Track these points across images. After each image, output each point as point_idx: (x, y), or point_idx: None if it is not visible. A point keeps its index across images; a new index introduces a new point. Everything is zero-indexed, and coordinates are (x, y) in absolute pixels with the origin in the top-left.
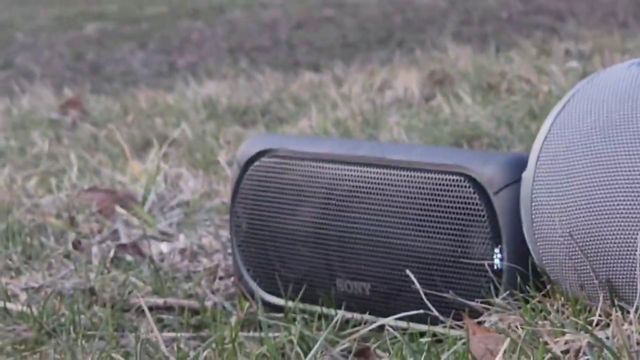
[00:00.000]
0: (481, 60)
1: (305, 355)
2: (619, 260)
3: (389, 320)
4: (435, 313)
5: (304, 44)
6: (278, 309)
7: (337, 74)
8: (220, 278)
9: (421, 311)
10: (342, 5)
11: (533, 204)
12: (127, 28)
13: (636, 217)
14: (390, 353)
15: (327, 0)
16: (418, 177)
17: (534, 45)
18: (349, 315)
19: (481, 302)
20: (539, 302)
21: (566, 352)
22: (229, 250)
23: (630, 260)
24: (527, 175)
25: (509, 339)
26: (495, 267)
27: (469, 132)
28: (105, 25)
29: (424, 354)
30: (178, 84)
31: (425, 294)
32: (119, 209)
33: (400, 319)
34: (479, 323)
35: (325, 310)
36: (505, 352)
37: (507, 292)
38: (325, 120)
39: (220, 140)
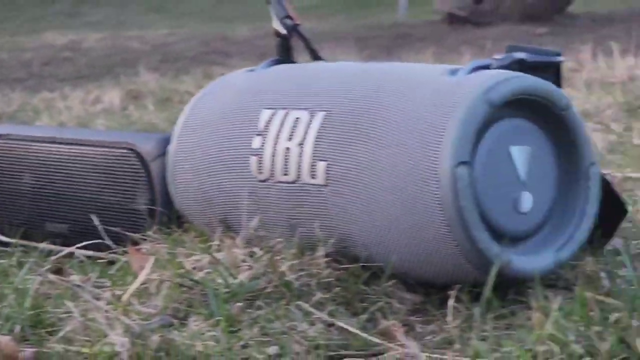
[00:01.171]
0: (163, 82)
1: None
2: (232, 206)
3: (75, 249)
4: (110, 242)
5: (50, 76)
6: (4, 244)
7: (64, 93)
8: None
9: (100, 241)
10: (79, 49)
11: (175, 167)
12: None
13: (241, 175)
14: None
15: (68, 45)
16: (101, 151)
17: (202, 72)
18: (53, 247)
19: (140, 236)
20: (179, 235)
21: (194, 268)
22: None
23: (238, 206)
24: (171, 147)
25: (154, 258)
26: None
27: (149, 129)
28: None
29: (99, 270)
30: None
31: (105, 230)
32: None
33: (86, 248)
34: (138, 250)
35: (38, 245)
36: (152, 267)
37: (157, 228)
38: (52, 123)
39: None
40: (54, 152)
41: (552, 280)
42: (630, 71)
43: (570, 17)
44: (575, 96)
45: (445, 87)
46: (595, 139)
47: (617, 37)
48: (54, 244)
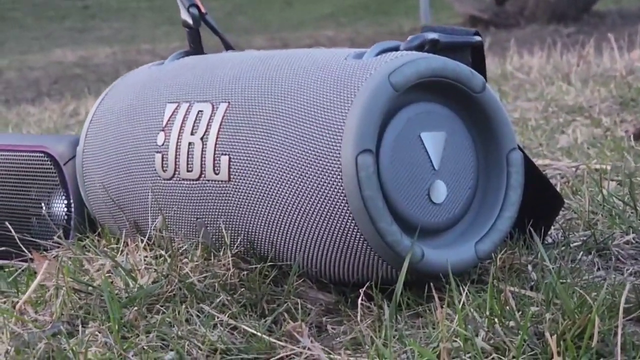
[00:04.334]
0: None
1: None
2: (139, 207)
3: None
4: (23, 249)
5: (58, 94)
6: None
7: (48, 107)
8: None
9: (4, 248)
10: (89, 65)
11: (83, 169)
12: None
13: (147, 174)
14: None
15: (77, 62)
16: (14, 155)
17: None
18: None
19: (52, 242)
20: (91, 239)
21: (98, 270)
22: None
23: (145, 207)
24: (79, 149)
25: (46, 263)
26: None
27: None
28: None
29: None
30: None
31: (19, 238)
32: None
33: None
34: (44, 257)
35: None
36: (54, 274)
37: (73, 233)
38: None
39: None
40: None
41: (477, 275)
42: (632, 64)
43: (598, 16)
44: (569, 90)
45: (347, 71)
46: (581, 132)
47: None
48: None
